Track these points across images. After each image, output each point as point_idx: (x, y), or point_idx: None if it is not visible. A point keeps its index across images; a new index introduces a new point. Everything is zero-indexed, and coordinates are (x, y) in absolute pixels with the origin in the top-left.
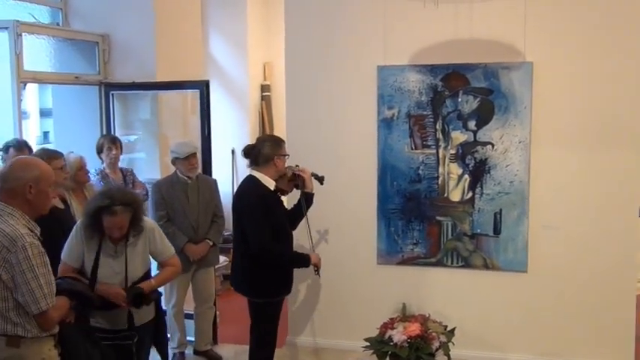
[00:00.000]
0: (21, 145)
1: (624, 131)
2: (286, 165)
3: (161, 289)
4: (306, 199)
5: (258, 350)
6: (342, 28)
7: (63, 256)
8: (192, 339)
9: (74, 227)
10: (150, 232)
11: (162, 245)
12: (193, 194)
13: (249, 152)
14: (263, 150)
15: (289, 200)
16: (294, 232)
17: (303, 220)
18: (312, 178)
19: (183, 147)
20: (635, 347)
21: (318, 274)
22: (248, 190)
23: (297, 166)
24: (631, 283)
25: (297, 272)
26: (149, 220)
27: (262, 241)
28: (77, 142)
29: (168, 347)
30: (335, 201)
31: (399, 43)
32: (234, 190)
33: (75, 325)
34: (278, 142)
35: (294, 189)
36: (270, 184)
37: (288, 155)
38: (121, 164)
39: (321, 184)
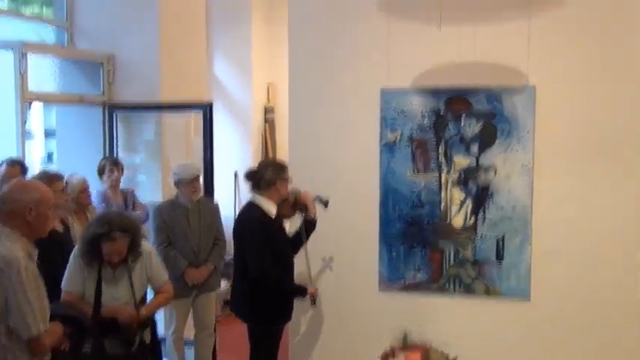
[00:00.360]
0: (14, 163)
1: (627, 156)
2: (289, 189)
3: (159, 316)
4: (309, 225)
5: None
6: (346, 51)
7: (64, 286)
8: None
9: (71, 255)
10: (147, 256)
11: (158, 271)
12: (195, 218)
13: (252, 177)
14: (265, 175)
15: (292, 223)
16: (295, 259)
17: (303, 247)
18: (317, 202)
19: (187, 169)
20: None
21: (314, 304)
22: (249, 215)
23: (297, 192)
24: (637, 310)
25: (298, 302)
26: (147, 244)
27: (262, 267)
28: (80, 163)
29: None
30: (337, 225)
31: (403, 66)
32: (236, 214)
33: (69, 352)
34: (281, 167)
35: (298, 213)
36: (272, 209)
37: (291, 179)
38: (122, 186)
39: (325, 207)
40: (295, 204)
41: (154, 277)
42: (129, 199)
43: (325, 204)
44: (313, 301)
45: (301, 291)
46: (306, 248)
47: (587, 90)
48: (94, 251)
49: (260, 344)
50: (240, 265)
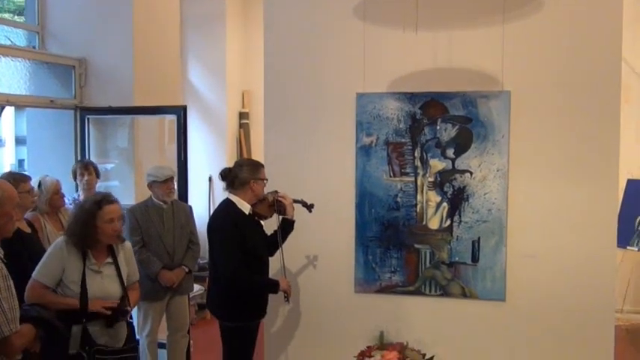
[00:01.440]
0: None
1: (601, 160)
2: (267, 191)
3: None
4: (287, 226)
5: None
6: (322, 56)
7: (36, 274)
8: None
9: (54, 245)
10: (129, 253)
11: (134, 268)
12: (169, 219)
13: (226, 175)
14: (240, 174)
15: (271, 225)
16: (271, 259)
17: (278, 251)
18: (301, 205)
19: (162, 170)
20: None
21: (287, 301)
22: (223, 213)
23: (276, 192)
24: (609, 313)
25: (273, 301)
26: (127, 243)
27: (232, 265)
28: (51, 168)
29: None
30: (313, 228)
31: (379, 71)
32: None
33: (40, 355)
34: (256, 167)
35: (276, 214)
36: (246, 209)
37: (267, 180)
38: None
39: (310, 211)
40: (273, 204)
41: (131, 273)
42: None
43: (309, 208)
44: (287, 299)
45: (273, 286)
46: (282, 249)
47: (561, 95)
48: (84, 235)
49: (233, 341)
50: (214, 262)
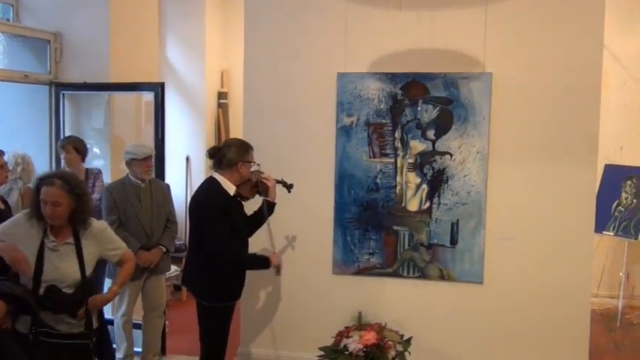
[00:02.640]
0: None
1: (581, 144)
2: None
3: None
4: (268, 208)
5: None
6: (303, 35)
7: None
8: (140, 350)
9: (20, 213)
10: (101, 232)
11: (115, 243)
12: (146, 198)
13: (214, 154)
14: (228, 154)
15: (251, 207)
16: (258, 237)
17: (263, 227)
18: (281, 185)
19: (141, 148)
20: None
21: (279, 274)
22: (208, 192)
23: (260, 172)
24: (585, 297)
25: (251, 279)
26: (100, 222)
27: (222, 243)
28: (25, 144)
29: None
30: (291, 209)
31: (360, 51)
32: (188, 199)
33: (11, 331)
34: (245, 148)
35: (257, 196)
36: (231, 190)
37: (255, 162)
38: None
39: (289, 191)
40: (256, 185)
41: (113, 250)
42: (90, 179)
43: (289, 188)
44: (278, 271)
45: (264, 262)
46: (270, 227)
47: (542, 78)
48: (38, 211)
49: (211, 321)
50: (197, 240)
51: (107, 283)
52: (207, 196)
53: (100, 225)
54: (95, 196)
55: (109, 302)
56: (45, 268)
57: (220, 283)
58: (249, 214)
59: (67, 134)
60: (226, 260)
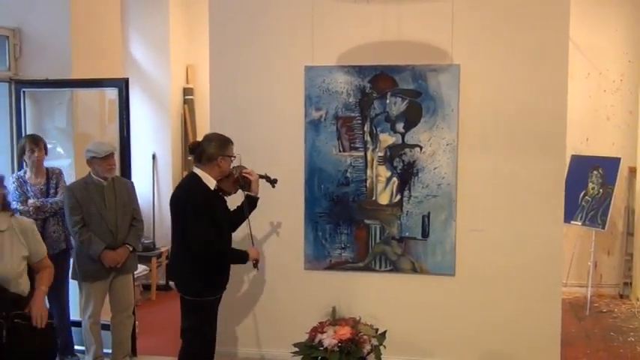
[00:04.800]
0: None
1: (549, 136)
2: (233, 165)
3: (74, 299)
4: (251, 203)
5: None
6: (269, 28)
7: None
8: (110, 351)
9: None
10: (28, 231)
11: (40, 246)
12: (110, 196)
13: (194, 149)
14: (208, 149)
15: (234, 201)
16: (236, 232)
17: (244, 223)
18: (264, 180)
19: (102, 146)
20: (560, 352)
21: (257, 267)
22: (191, 187)
23: (242, 167)
24: (556, 288)
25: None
26: (27, 220)
27: (206, 238)
28: None
29: None
30: (261, 204)
31: (327, 44)
32: (155, 197)
33: None
34: (225, 143)
35: (240, 190)
36: (211, 184)
37: (234, 157)
38: None
39: (273, 186)
40: (238, 180)
41: (37, 252)
42: (52, 180)
43: (273, 183)
44: (255, 265)
45: (243, 257)
46: (249, 222)
47: (509, 69)
48: None
49: (198, 317)
50: (179, 235)
51: (72, 284)
52: (187, 191)
53: (27, 224)
54: (58, 197)
55: None
56: None
57: (203, 277)
58: (232, 209)
59: (28, 133)
60: (208, 254)
